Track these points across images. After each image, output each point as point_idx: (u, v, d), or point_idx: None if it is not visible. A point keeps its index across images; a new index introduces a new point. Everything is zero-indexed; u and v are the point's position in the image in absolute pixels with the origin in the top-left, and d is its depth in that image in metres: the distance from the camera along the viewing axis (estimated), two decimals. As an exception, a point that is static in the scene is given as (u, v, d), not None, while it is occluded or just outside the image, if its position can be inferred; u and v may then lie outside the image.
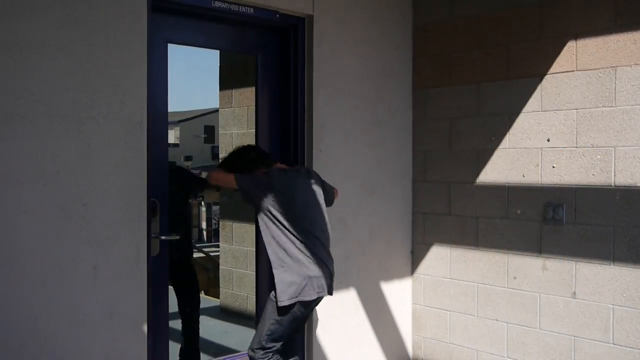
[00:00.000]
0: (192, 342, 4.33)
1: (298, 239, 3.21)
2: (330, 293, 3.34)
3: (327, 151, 4.05)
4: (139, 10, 3.14)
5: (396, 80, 4.49)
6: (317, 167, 3.99)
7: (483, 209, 4.18)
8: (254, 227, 4.24)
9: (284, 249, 3.21)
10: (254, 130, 4.17)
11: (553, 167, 3.83)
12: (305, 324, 4.02)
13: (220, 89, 5.94)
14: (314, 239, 3.27)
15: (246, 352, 3.39)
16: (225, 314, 5.87)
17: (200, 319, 4.52)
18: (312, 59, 3.97)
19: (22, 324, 2.78)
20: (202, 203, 13.11)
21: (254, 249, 4.26)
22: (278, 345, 3.27)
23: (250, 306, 5.41)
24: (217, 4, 3.57)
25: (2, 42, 2.71)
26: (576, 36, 3.72)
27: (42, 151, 2.83)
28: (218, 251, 6.34)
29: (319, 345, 4.04)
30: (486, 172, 4.17)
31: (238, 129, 5.75)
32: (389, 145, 4.44)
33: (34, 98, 2.80)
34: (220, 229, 6.30)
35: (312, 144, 3.98)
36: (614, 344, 3.57)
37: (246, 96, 5.64)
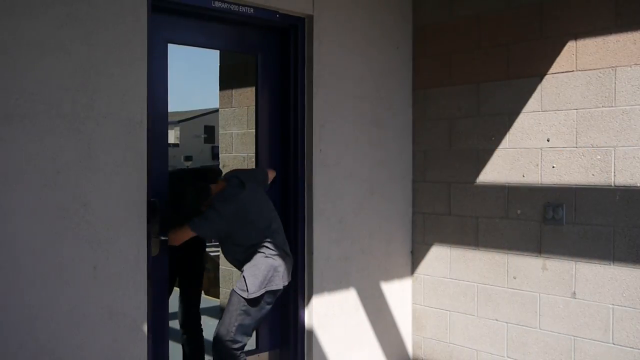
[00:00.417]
0: (196, 342, 4.29)
1: (260, 238, 3.47)
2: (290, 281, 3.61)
3: (327, 151, 4.05)
4: (139, 10, 3.14)
5: (396, 80, 4.49)
6: (317, 167, 4.00)
7: (483, 209, 4.18)
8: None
9: (249, 248, 3.46)
10: (254, 130, 4.17)
11: (553, 167, 3.83)
12: (302, 324, 4.03)
13: (220, 89, 5.94)
14: (273, 235, 3.52)
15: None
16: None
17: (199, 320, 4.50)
18: (312, 59, 3.97)
19: (21, 324, 2.78)
20: None
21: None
22: (246, 340, 3.43)
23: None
24: (217, 4, 3.57)
25: (2, 42, 2.71)
26: (576, 36, 3.72)
27: (42, 151, 2.83)
28: (218, 251, 6.35)
29: (319, 345, 4.04)
30: (486, 172, 4.17)
31: (238, 129, 5.75)
32: (389, 145, 4.44)
33: (33, 98, 2.80)
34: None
35: (312, 144, 3.98)
36: (613, 344, 3.57)
37: (246, 96, 5.64)
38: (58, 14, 2.87)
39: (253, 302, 3.40)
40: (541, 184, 3.88)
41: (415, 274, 4.60)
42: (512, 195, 4.03)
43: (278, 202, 4.09)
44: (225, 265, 6.04)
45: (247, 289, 3.38)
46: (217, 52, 5.64)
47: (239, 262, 3.54)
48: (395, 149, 4.49)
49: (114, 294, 3.05)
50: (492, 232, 4.14)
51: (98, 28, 2.99)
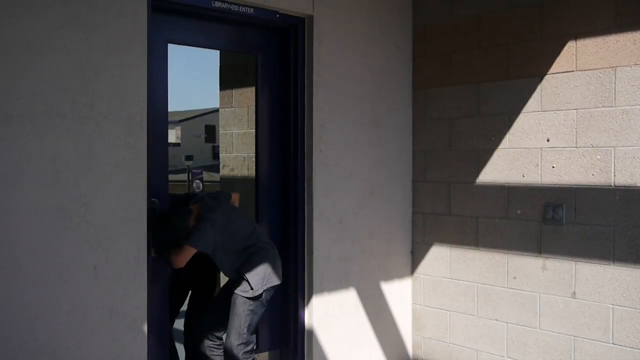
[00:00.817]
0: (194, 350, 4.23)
1: (251, 241, 3.59)
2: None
3: (327, 151, 4.05)
4: (139, 10, 3.14)
5: (396, 80, 4.49)
6: (317, 167, 4.00)
7: (483, 209, 4.18)
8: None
9: (243, 252, 3.56)
10: (254, 130, 4.17)
11: (553, 167, 3.83)
12: (302, 324, 4.03)
13: (221, 88, 5.94)
14: (259, 237, 3.65)
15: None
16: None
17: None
18: (312, 59, 3.97)
19: (22, 324, 2.78)
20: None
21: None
22: (254, 338, 3.58)
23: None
24: (217, 4, 3.57)
25: (2, 42, 2.71)
26: (576, 36, 3.72)
27: (42, 151, 2.83)
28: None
29: (319, 345, 4.04)
30: (486, 172, 4.17)
31: (238, 129, 5.75)
32: (389, 145, 4.44)
33: (33, 98, 2.80)
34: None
35: (312, 144, 3.99)
36: (613, 344, 3.57)
37: (246, 96, 5.64)
38: (58, 14, 2.87)
39: (257, 300, 3.52)
40: (541, 184, 3.88)
41: (415, 274, 4.60)
42: (512, 195, 4.03)
43: (278, 202, 4.10)
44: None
45: (252, 288, 3.49)
46: (218, 52, 5.63)
47: (236, 271, 3.58)
48: (395, 149, 4.49)
49: (114, 294, 3.05)
50: (492, 232, 4.14)
51: (98, 28, 3.00)
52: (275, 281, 3.62)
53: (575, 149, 3.73)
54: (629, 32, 3.50)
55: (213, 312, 3.69)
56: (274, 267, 3.61)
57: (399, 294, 4.53)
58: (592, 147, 3.65)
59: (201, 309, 3.84)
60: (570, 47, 3.74)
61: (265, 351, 4.11)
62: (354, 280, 4.22)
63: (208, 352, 3.63)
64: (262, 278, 3.53)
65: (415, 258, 4.60)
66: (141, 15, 3.14)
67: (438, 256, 4.46)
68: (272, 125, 4.07)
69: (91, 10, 2.97)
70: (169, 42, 3.54)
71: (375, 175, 4.35)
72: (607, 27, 3.58)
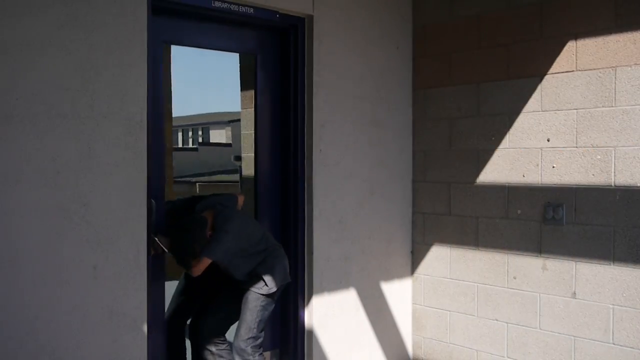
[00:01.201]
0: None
1: (265, 244, 3.68)
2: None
3: (327, 151, 4.05)
4: (139, 10, 3.14)
5: (396, 80, 4.48)
6: (317, 167, 4.00)
7: (483, 209, 4.18)
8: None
9: (259, 254, 3.63)
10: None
11: (553, 167, 3.82)
12: (302, 324, 4.03)
13: (242, 89, 5.92)
14: (269, 239, 3.74)
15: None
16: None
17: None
18: (312, 59, 3.97)
19: (21, 324, 2.78)
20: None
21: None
22: (263, 334, 3.65)
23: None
24: (217, 4, 3.57)
25: (2, 42, 2.71)
26: (576, 36, 3.72)
27: (42, 151, 2.83)
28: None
29: (319, 345, 4.04)
30: (486, 172, 4.16)
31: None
32: (389, 145, 4.44)
33: (33, 98, 2.80)
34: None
35: (312, 144, 3.98)
36: (614, 344, 3.57)
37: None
38: (58, 14, 2.87)
39: (269, 297, 3.62)
40: (541, 184, 3.88)
41: (415, 274, 4.60)
42: (512, 195, 4.03)
43: (278, 202, 4.09)
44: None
45: (267, 285, 3.58)
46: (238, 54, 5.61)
47: (249, 273, 3.61)
48: (395, 149, 4.49)
49: (114, 294, 3.05)
50: (492, 232, 4.14)
51: (98, 28, 2.99)
52: (287, 279, 3.73)
53: (575, 149, 3.73)
54: (629, 32, 3.50)
55: (218, 314, 3.70)
56: (285, 267, 3.72)
57: (399, 294, 4.53)
58: (593, 147, 3.65)
59: (207, 311, 3.84)
60: (571, 47, 3.74)
61: (265, 351, 4.11)
62: (354, 280, 4.22)
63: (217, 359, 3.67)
64: (276, 277, 3.62)
65: (415, 258, 4.60)
66: (141, 15, 3.14)
67: (438, 256, 4.46)
68: (272, 126, 4.07)
69: (91, 10, 2.97)
70: (170, 43, 3.54)
71: (375, 175, 4.35)
72: (607, 27, 3.58)
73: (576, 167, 3.72)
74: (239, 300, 3.61)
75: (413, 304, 4.61)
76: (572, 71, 3.73)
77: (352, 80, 4.20)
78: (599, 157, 3.62)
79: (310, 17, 3.96)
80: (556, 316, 3.81)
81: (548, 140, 3.85)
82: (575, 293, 3.74)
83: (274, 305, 3.70)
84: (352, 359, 4.23)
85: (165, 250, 3.42)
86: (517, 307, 4.00)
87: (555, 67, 3.81)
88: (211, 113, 34.38)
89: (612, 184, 3.58)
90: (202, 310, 3.83)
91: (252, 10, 3.72)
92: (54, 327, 2.87)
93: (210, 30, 3.80)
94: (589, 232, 3.67)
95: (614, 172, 3.56)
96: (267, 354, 4.14)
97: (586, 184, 3.68)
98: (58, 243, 2.88)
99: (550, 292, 3.84)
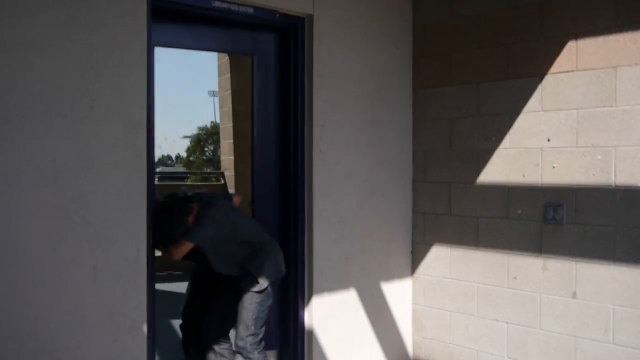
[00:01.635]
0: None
1: (259, 237, 3.69)
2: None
3: (327, 151, 4.05)
4: (139, 10, 3.14)
5: (396, 80, 4.48)
6: (317, 167, 4.00)
7: (483, 209, 4.18)
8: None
9: (247, 246, 3.62)
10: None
11: (553, 167, 3.82)
12: (302, 324, 4.03)
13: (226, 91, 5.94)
14: (262, 233, 3.75)
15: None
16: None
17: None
18: (312, 59, 3.97)
19: (21, 324, 2.78)
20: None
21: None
22: (263, 331, 3.63)
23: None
24: (217, 4, 3.57)
25: (2, 42, 2.71)
26: (576, 36, 3.72)
27: (42, 151, 2.83)
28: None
29: (319, 346, 4.04)
30: (486, 172, 4.16)
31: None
32: (389, 145, 4.44)
33: (33, 98, 2.80)
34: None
35: (312, 144, 3.98)
36: (614, 344, 3.57)
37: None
38: (58, 14, 2.87)
39: (262, 292, 3.59)
40: (542, 183, 3.88)
41: (416, 274, 4.59)
42: (513, 195, 4.03)
43: (278, 202, 4.09)
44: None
45: (259, 282, 3.55)
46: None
47: (240, 267, 3.60)
48: (395, 149, 4.49)
49: (114, 294, 3.05)
50: (492, 232, 4.13)
51: (98, 28, 2.99)
52: (281, 273, 3.71)
53: (575, 148, 3.73)
54: (630, 32, 3.49)
55: (218, 314, 3.71)
56: (276, 261, 3.69)
57: (399, 294, 4.52)
58: (593, 146, 3.65)
59: (210, 311, 3.85)
60: (571, 46, 3.74)
61: (265, 351, 4.11)
62: (354, 280, 4.22)
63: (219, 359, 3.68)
64: (267, 273, 3.61)
65: (416, 258, 4.59)
66: (141, 15, 3.14)
67: (438, 256, 4.45)
68: (272, 126, 4.07)
69: (91, 10, 2.97)
70: (170, 44, 3.53)
71: (375, 175, 4.35)
72: (608, 26, 3.58)
73: (576, 167, 3.72)
74: (239, 300, 3.61)
75: (413, 304, 4.61)
76: (573, 71, 3.73)
77: (352, 80, 4.19)
78: (600, 157, 3.62)
79: (310, 17, 3.96)
80: (556, 316, 3.81)
81: (548, 140, 3.84)
82: (575, 293, 3.73)
83: (271, 300, 3.67)
84: (352, 359, 4.23)
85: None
86: (518, 307, 4.00)
87: (556, 67, 3.80)
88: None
89: (613, 184, 3.57)
90: (205, 310, 3.83)
91: (251, 10, 3.72)
92: (54, 327, 2.87)
93: (209, 30, 3.80)
94: (589, 232, 3.67)
95: (615, 172, 3.56)
96: (267, 353, 4.14)
97: (586, 184, 3.68)
98: (58, 243, 2.88)
99: (550, 292, 3.84)
